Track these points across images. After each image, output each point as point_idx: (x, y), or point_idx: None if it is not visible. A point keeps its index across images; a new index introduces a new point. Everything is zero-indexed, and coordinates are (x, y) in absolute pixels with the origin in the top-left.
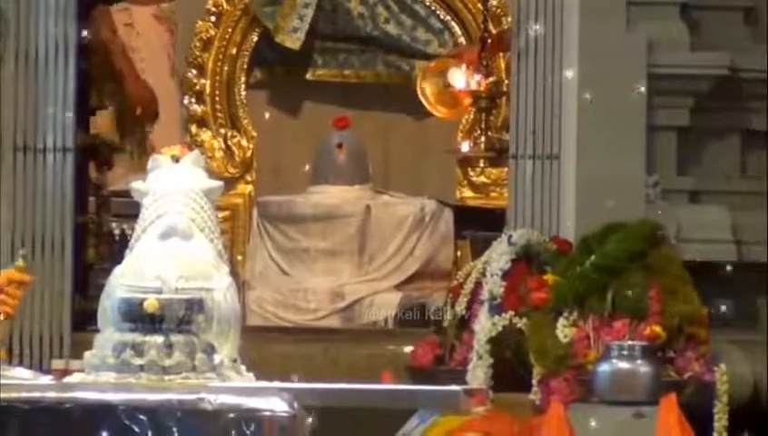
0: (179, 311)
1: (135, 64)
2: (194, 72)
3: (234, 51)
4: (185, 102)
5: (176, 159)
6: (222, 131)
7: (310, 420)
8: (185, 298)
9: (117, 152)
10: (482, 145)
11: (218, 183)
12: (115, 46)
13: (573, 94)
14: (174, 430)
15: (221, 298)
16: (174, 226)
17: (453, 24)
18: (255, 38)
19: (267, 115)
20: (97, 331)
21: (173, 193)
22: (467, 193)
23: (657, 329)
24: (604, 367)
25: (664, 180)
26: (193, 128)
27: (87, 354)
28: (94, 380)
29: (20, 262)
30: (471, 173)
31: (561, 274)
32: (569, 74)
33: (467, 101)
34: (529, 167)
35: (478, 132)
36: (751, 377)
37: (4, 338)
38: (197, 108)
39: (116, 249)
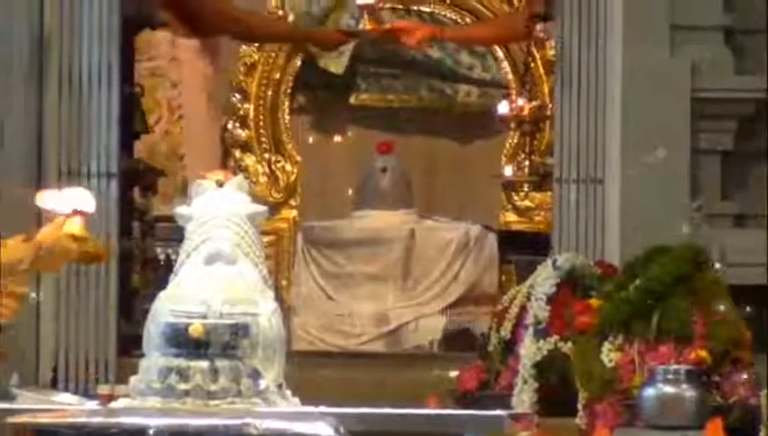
0: (224, 336)
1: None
2: (238, 96)
3: (278, 75)
4: (229, 126)
5: (220, 184)
6: (266, 155)
7: None
8: (230, 323)
9: (161, 176)
10: (526, 170)
11: (262, 208)
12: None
13: (617, 117)
14: None
15: (267, 323)
16: (219, 251)
17: (496, 47)
18: (299, 63)
19: (311, 140)
20: (142, 356)
21: (218, 218)
22: (512, 217)
23: (702, 353)
24: (649, 391)
25: (708, 204)
26: (237, 153)
27: (132, 379)
28: (140, 405)
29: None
30: (515, 198)
31: (606, 299)
32: (613, 98)
33: None
34: (573, 191)
35: (522, 156)
36: None
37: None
38: (241, 133)
39: (161, 274)
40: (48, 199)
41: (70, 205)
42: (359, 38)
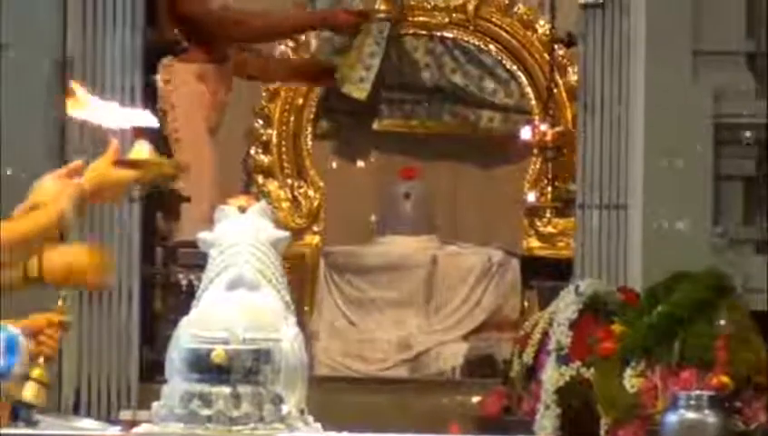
0: (246, 361)
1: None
2: (261, 122)
3: (301, 101)
4: (252, 152)
5: (243, 209)
6: (289, 181)
7: None
8: (252, 348)
9: (185, 202)
10: (549, 195)
11: (285, 234)
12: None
13: (639, 143)
14: None
15: (289, 348)
16: (241, 277)
17: (519, 73)
18: (321, 88)
19: (334, 165)
20: (165, 381)
21: (240, 244)
22: (534, 243)
23: (725, 379)
24: (671, 417)
25: (731, 230)
26: (260, 178)
27: (155, 405)
28: (162, 431)
29: (60, 304)
30: (538, 224)
31: (628, 324)
32: (635, 124)
33: None
34: (596, 217)
35: (545, 182)
36: None
37: (49, 381)
38: (263, 158)
39: (183, 299)
40: (98, 114)
41: (128, 121)
42: (368, 19)
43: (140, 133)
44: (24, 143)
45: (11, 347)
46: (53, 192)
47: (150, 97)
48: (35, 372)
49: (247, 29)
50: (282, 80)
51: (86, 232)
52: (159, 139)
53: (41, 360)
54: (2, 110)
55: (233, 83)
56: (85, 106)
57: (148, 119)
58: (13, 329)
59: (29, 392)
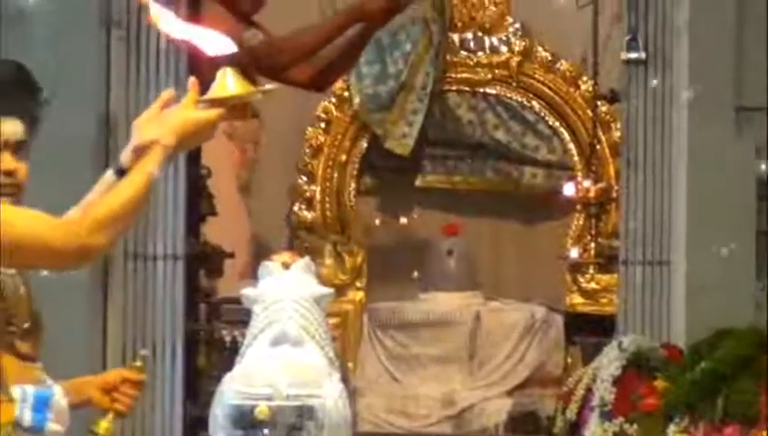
0: (290, 418)
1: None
2: (304, 178)
3: (344, 157)
4: (295, 208)
5: (286, 266)
6: (333, 237)
7: None
8: (296, 405)
9: (228, 258)
10: (592, 251)
11: (328, 290)
12: None
13: (682, 199)
14: None
15: (332, 405)
16: (285, 333)
17: (562, 130)
18: (365, 144)
19: (377, 221)
20: None
21: (284, 301)
22: (577, 299)
23: None
24: None
25: None
26: (304, 234)
27: None
28: None
29: (137, 363)
30: (581, 280)
31: (671, 380)
32: (678, 179)
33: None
34: (639, 273)
35: (588, 238)
36: None
37: None
38: (307, 214)
39: (227, 356)
40: (174, 26)
41: (205, 43)
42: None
43: (221, 60)
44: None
45: (42, 403)
46: (153, 134)
47: (194, 155)
48: (102, 427)
49: (280, 58)
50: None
51: (129, 290)
52: (205, 197)
53: (110, 415)
54: (45, 165)
55: (268, 139)
56: (161, 20)
57: (226, 44)
58: (54, 387)
59: None
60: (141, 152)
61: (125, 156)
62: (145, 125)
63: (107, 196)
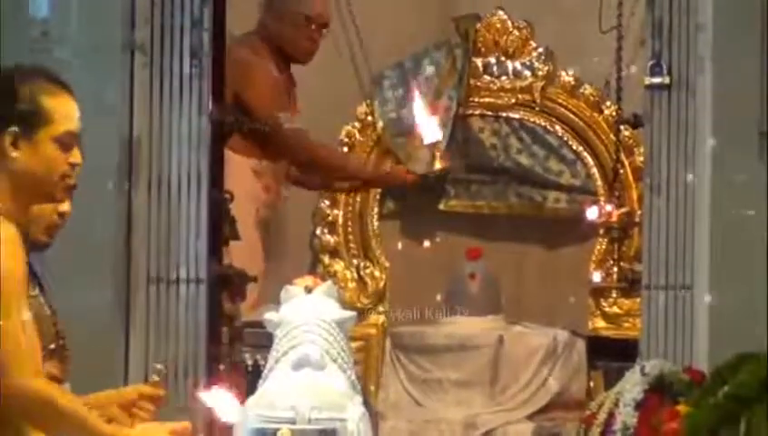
0: None
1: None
2: (327, 202)
3: None
4: (317, 232)
5: (309, 290)
6: (355, 261)
7: None
8: (319, 428)
9: (251, 282)
10: (615, 276)
11: (351, 314)
12: None
13: (705, 224)
14: None
15: (355, 428)
16: (307, 357)
17: (585, 154)
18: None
19: (399, 245)
20: None
21: (306, 324)
22: (600, 323)
23: None
24: None
25: None
26: (326, 259)
27: None
28: None
29: (155, 377)
30: (604, 304)
31: (694, 405)
32: (701, 204)
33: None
34: (662, 297)
35: (611, 262)
36: None
37: None
38: (329, 239)
39: (249, 379)
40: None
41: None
42: (427, 178)
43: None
44: (89, 222)
45: None
46: None
47: (217, 175)
48: None
49: (308, 157)
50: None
51: (152, 313)
52: (228, 221)
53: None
54: None
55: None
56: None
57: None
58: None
59: None
60: None
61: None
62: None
63: (68, 405)
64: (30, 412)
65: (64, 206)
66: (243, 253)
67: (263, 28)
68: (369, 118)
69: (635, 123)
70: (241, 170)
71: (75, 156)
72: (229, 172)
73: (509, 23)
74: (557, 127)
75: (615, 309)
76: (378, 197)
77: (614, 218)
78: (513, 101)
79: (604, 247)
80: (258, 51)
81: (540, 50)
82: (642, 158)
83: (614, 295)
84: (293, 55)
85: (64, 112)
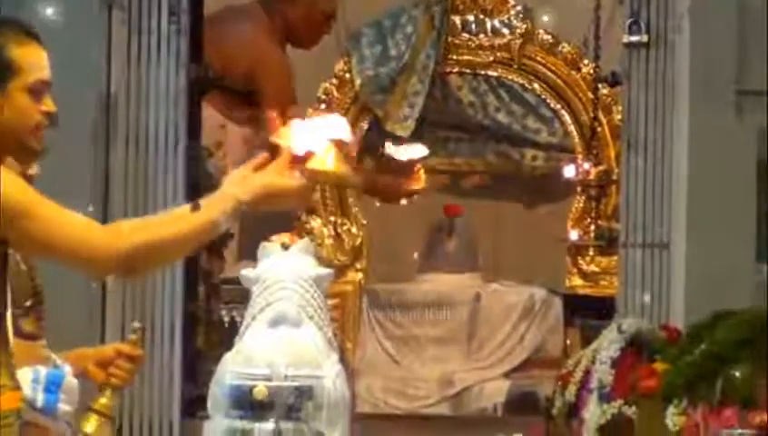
0: (288, 398)
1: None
2: None
3: None
4: None
5: (286, 247)
6: (332, 218)
7: None
8: (295, 385)
9: (228, 239)
10: (592, 234)
11: (328, 271)
12: None
13: (683, 182)
14: None
15: (331, 385)
16: (284, 314)
17: (563, 112)
18: (365, 126)
19: (377, 203)
20: (207, 417)
21: (283, 281)
22: (577, 281)
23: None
24: None
25: None
26: (303, 216)
27: None
28: None
29: (132, 336)
30: (581, 262)
31: (670, 363)
32: (679, 162)
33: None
34: (639, 256)
35: (588, 220)
36: None
37: (113, 414)
38: None
39: (226, 336)
40: (300, 137)
41: (324, 135)
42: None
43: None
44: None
45: (54, 384)
46: (235, 188)
47: (194, 132)
48: (100, 404)
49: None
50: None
51: None
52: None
53: (108, 392)
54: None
55: None
56: (287, 138)
57: (342, 129)
58: (64, 367)
59: (91, 426)
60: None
61: (208, 198)
62: (234, 179)
63: (162, 225)
64: (147, 261)
65: (33, 169)
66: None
67: (274, 11)
68: (347, 75)
69: (613, 81)
70: (234, 139)
71: (48, 105)
72: (226, 147)
73: None
74: (535, 85)
75: (593, 267)
76: (355, 155)
77: (591, 176)
78: (491, 59)
79: (581, 205)
80: (272, 36)
81: (518, 8)
82: (620, 116)
83: (591, 253)
84: (301, 43)
85: (34, 61)
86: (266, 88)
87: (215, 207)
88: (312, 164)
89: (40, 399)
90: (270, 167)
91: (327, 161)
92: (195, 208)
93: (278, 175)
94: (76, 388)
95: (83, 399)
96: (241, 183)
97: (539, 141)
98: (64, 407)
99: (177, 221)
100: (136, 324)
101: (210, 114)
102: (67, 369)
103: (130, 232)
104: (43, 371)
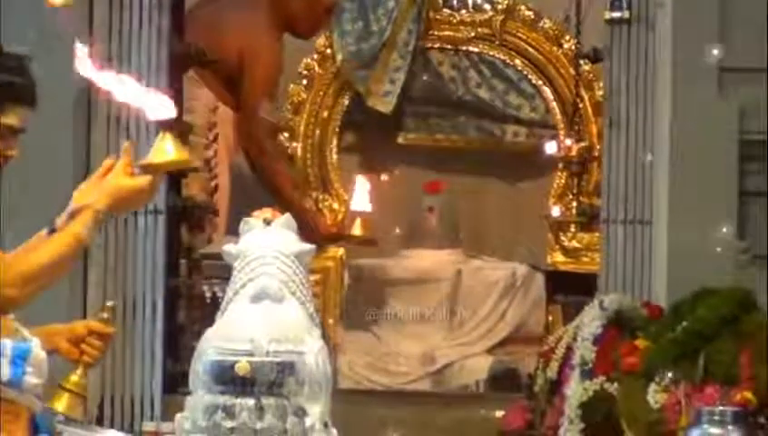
0: (270, 374)
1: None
2: (286, 135)
3: (326, 114)
4: None
5: (268, 222)
6: (314, 194)
7: None
8: (277, 361)
9: (209, 214)
10: (574, 210)
11: (309, 247)
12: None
13: (664, 159)
14: None
15: (313, 361)
16: (266, 289)
17: (545, 88)
18: (347, 102)
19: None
20: (188, 393)
21: (265, 256)
22: (559, 257)
23: (749, 395)
24: (695, 433)
25: (755, 246)
26: None
27: (178, 417)
28: None
29: (104, 315)
30: (563, 238)
31: (652, 340)
32: (661, 139)
33: None
34: (621, 232)
35: (570, 196)
36: None
37: (86, 391)
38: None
39: (207, 311)
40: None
41: (152, 114)
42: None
43: (164, 124)
44: (47, 155)
45: (20, 357)
46: (87, 198)
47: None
48: (71, 381)
49: (256, 153)
50: None
51: (110, 244)
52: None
53: (80, 370)
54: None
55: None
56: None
57: (167, 108)
58: (32, 340)
59: (62, 404)
60: (75, 215)
61: (60, 218)
62: (84, 191)
63: (34, 252)
64: (32, 295)
65: (12, 150)
66: (223, 181)
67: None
68: (329, 51)
69: (595, 57)
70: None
71: (12, 149)
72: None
73: None
74: (517, 61)
75: (574, 243)
76: (337, 130)
77: (573, 152)
78: (472, 34)
79: (563, 181)
80: (270, 24)
81: None
82: (601, 93)
83: (573, 229)
84: (300, 33)
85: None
86: (253, 75)
87: (77, 223)
88: (153, 158)
89: (5, 372)
90: (116, 169)
91: (166, 150)
92: (51, 232)
93: (124, 176)
94: (45, 361)
95: (51, 375)
96: (92, 193)
97: (521, 117)
98: (31, 380)
99: (48, 246)
100: (110, 303)
101: (204, 95)
102: (35, 342)
103: (8, 265)
104: (8, 343)
